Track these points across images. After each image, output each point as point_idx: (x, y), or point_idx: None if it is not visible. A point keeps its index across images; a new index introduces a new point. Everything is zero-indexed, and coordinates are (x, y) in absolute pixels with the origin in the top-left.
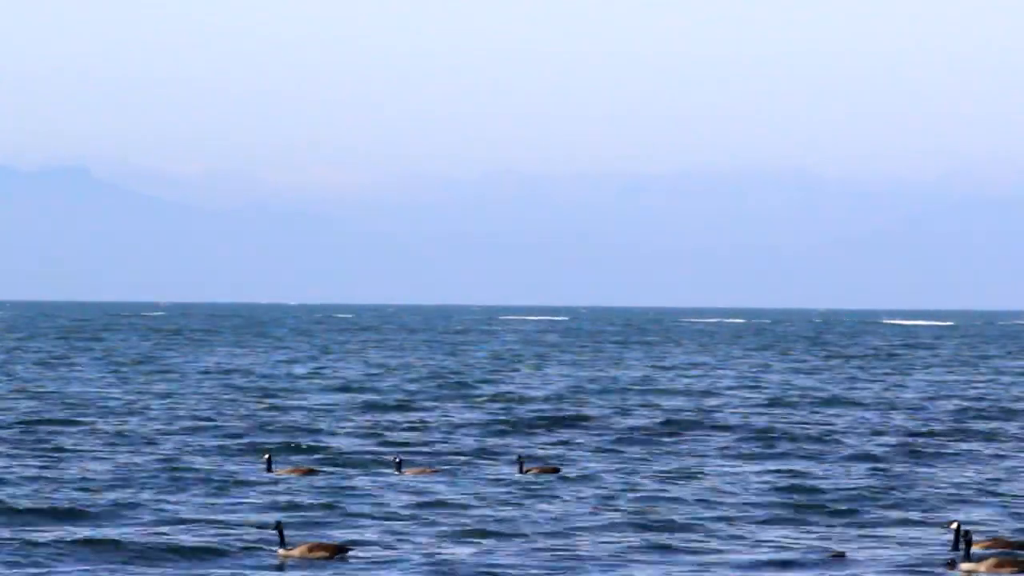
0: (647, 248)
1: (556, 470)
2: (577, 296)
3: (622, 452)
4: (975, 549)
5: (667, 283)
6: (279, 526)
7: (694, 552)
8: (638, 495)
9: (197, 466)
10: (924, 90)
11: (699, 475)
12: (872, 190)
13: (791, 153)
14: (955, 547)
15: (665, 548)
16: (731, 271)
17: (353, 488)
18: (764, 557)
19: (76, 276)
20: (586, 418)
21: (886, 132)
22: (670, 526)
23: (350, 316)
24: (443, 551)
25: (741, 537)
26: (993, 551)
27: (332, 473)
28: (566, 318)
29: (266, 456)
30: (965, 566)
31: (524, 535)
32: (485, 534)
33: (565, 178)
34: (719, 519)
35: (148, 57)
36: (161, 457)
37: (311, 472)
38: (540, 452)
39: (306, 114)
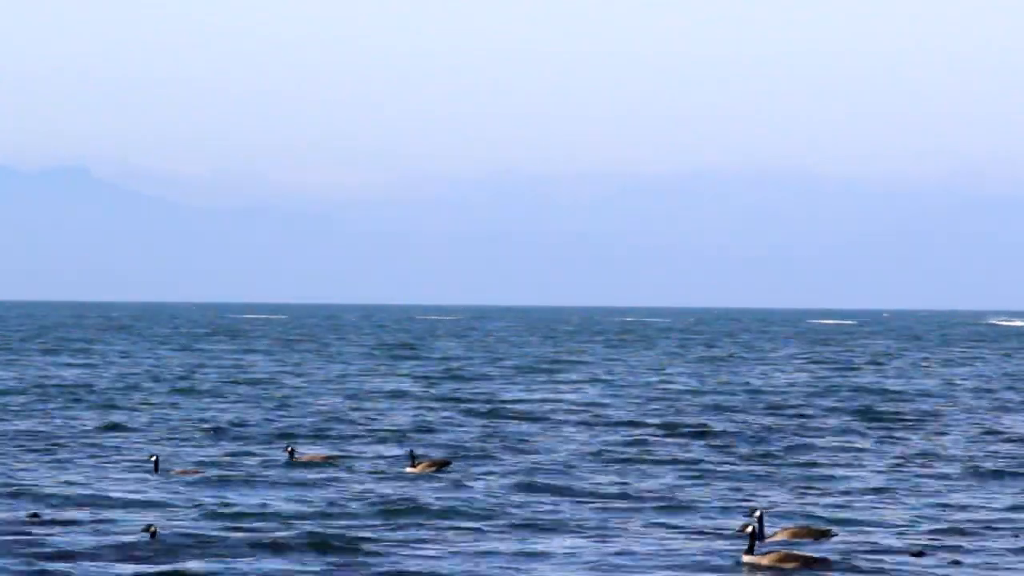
0: (647, 248)
1: (447, 463)
2: (577, 296)
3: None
4: (780, 538)
5: (667, 283)
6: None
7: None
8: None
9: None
10: (925, 90)
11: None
12: (873, 190)
13: (791, 153)
14: (760, 536)
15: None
16: (731, 271)
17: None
18: (612, 550)
19: (76, 276)
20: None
21: (887, 132)
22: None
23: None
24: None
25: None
26: (780, 542)
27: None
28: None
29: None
30: (748, 558)
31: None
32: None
33: (565, 178)
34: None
35: (148, 57)
36: None
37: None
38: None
39: (307, 114)
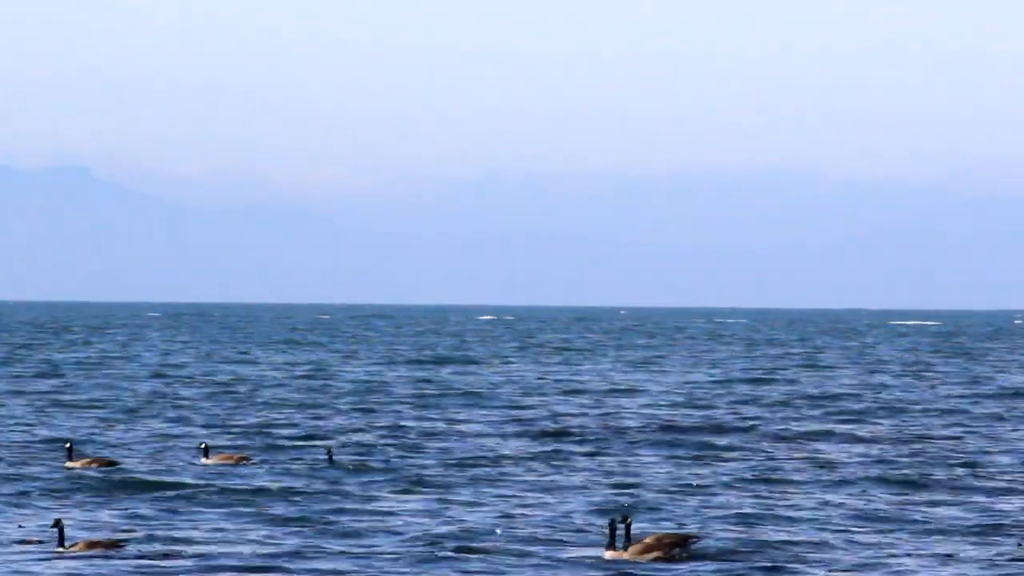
0: (647, 248)
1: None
2: (577, 296)
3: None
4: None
5: (667, 283)
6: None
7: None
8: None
9: None
10: (926, 90)
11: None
12: (873, 190)
13: (791, 153)
14: (625, 540)
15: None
16: (731, 271)
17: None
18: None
19: (76, 276)
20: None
21: (887, 132)
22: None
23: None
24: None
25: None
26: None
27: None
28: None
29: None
30: (609, 554)
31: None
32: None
33: (564, 178)
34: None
35: (148, 57)
36: None
37: (110, 463)
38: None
39: (307, 114)
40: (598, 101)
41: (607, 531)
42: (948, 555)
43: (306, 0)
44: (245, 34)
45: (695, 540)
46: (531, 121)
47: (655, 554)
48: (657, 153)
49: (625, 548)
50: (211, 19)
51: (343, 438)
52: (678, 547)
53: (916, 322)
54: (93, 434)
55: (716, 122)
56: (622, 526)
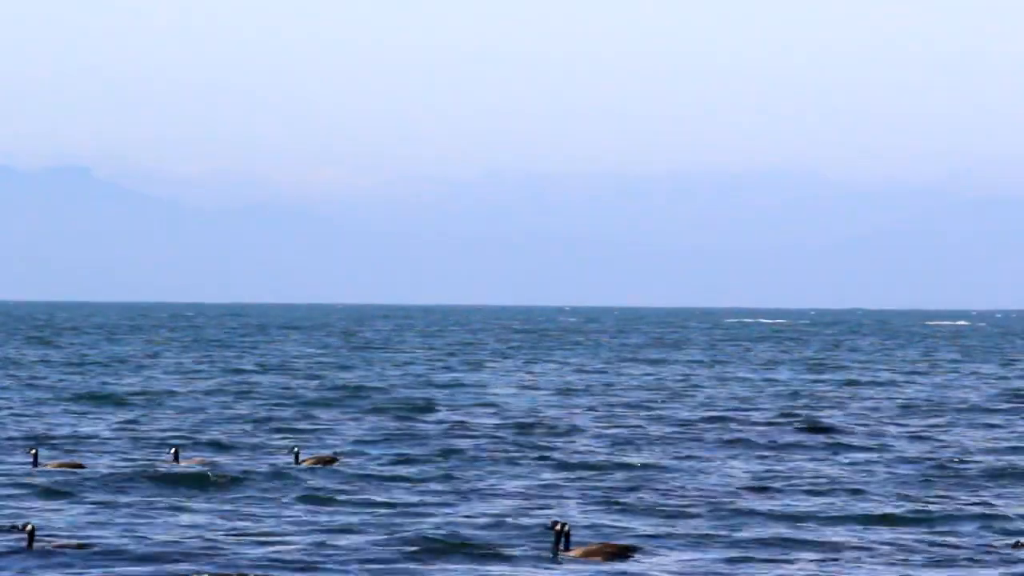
0: (647, 248)
1: (333, 460)
2: (577, 296)
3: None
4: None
5: (667, 283)
6: None
7: None
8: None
9: None
10: (926, 90)
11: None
12: (873, 190)
13: (791, 153)
14: (556, 548)
15: None
16: (731, 271)
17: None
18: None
19: (76, 276)
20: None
21: (887, 132)
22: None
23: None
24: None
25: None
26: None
27: None
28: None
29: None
30: (557, 557)
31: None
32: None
33: (564, 178)
34: None
35: (149, 57)
36: None
37: (76, 466)
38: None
39: (307, 114)
40: (598, 101)
41: (556, 528)
42: None
43: (306, 0)
44: (245, 34)
45: (636, 551)
46: (531, 121)
47: (599, 559)
48: (657, 153)
49: (567, 550)
50: (211, 19)
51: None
52: (620, 557)
53: (947, 322)
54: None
55: (716, 122)
56: (562, 532)
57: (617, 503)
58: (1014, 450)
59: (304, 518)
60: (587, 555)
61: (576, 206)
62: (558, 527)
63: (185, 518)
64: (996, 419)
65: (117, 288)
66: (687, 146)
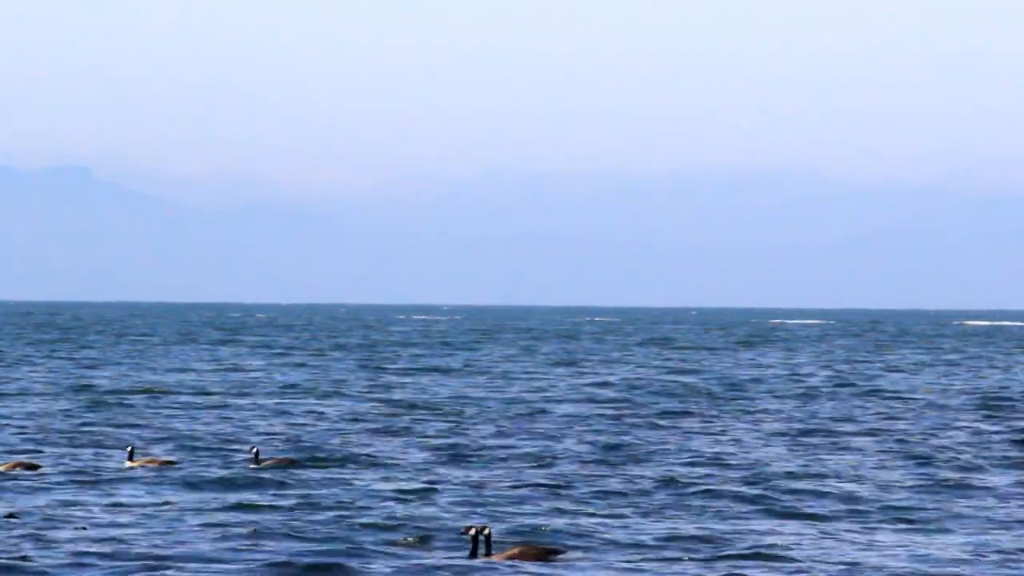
0: (647, 248)
1: (292, 462)
2: (577, 296)
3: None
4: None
5: (667, 283)
6: None
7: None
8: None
9: None
10: (926, 90)
11: None
12: (873, 190)
13: (791, 153)
14: (474, 553)
15: None
16: (731, 271)
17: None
18: None
19: (76, 276)
20: None
21: (887, 132)
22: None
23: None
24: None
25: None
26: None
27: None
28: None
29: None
30: (475, 561)
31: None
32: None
33: (564, 178)
34: None
35: (149, 57)
36: None
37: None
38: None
39: (307, 114)
40: (598, 101)
41: (469, 541)
42: None
43: (306, 0)
44: (245, 34)
45: (559, 553)
46: (531, 121)
47: (520, 562)
48: (657, 153)
49: (488, 555)
50: (211, 19)
51: None
52: (542, 560)
53: (989, 322)
54: None
55: (716, 122)
56: (483, 535)
57: (543, 503)
58: None
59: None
60: (510, 558)
61: (576, 206)
62: (472, 531)
63: None
64: None
65: (117, 288)
66: (687, 146)
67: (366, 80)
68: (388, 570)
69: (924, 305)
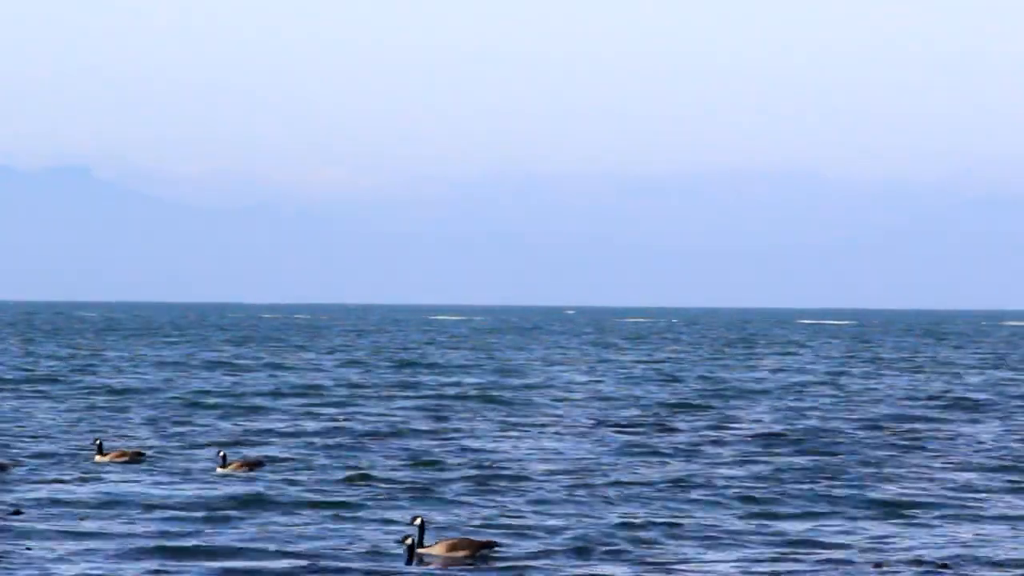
0: (647, 248)
1: (260, 464)
2: (578, 296)
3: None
4: (438, 550)
5: (667, 283)
6: None
7: None
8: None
9: None
10: (926, 90)
11: None
12: (873, 190)
13: (791, 153)
14: (410, 559)
15: None
16: (731, 271)
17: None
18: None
19: (76, 276)
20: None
21: (887, 132)
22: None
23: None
24: None
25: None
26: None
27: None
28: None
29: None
30: (419, 550)
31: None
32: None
33: (565, 178)
34: None
35: (148, 57)
36: None
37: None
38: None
39: (307, 114)
40: (598, 101)
41: (407, 542)
42: None
43: (306, 0)
44: (245, 34)
45: (496, 546)
46: (531, 121)
47: (463, 553)
48: (657, 153)
49: (421, 546)
50: (211, 19)
51: None
52: (480, 551)
53: (1019, 323)
54: None
55: (716, 122)
56: (415, 528)
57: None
58: None
59: None
60: (447, 550)
61: (576, 206)
62: (409, 541)
63: None
64: None
65: (117, 288)
66: (687, 146)
67: (366, 80)
68: None
69: (925, 305)
